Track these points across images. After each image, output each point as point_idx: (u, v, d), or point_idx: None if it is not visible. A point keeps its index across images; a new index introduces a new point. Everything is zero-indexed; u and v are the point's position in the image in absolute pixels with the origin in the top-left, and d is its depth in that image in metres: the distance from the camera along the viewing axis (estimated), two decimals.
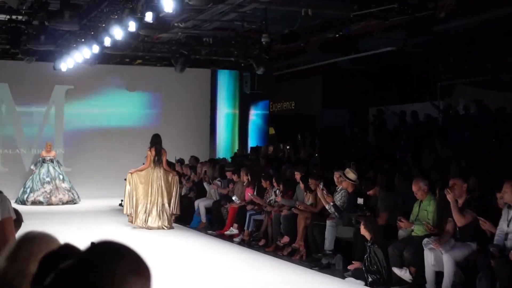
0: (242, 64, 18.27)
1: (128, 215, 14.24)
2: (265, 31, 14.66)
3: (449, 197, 8.04)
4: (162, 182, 14.05)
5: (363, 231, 9.08)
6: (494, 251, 7.43)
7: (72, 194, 18.97)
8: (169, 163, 15.14)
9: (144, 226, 13.91)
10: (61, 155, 20.07)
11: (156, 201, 13.96)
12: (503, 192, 7.68)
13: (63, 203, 18.59)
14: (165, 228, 13.93)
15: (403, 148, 13.71)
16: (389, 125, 16.48)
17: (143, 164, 14.54)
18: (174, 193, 14.25)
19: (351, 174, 10.67)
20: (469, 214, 8.08)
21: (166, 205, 14.03)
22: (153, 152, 14.04)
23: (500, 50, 15.77)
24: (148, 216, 13.94)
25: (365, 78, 18.26)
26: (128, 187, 14.15)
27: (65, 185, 18.93)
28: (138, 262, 1.63)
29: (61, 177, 18.98)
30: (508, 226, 7.67)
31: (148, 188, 14.02)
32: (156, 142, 14.10)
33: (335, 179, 10.87)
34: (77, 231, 12.66)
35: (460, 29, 13.43)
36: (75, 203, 18.79)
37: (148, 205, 13.96)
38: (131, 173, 14.20)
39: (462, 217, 8.06)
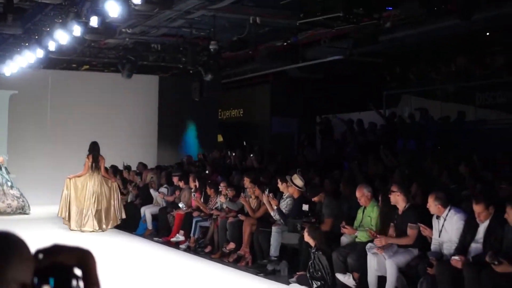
0: (191, 71, 18.22)
1: (63, 218, 14.60)
2: (214, 38, 14.66)
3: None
4: (99, 188, 14.50)
5: (307, 238, 9.13)
6: (432, 259, 7.58)
7: (23, 201, 17.38)
8: (115, 169, 15.19)
9: (78, 229, 14.32)
10: (5, 161, 19.61)
11: (91, 206, 14.39)
12: (428, 205, 7.86)
13: (13, 211, 16.96)
14: (99, 231, 14.41)
15: (349, 156, 13.85)
16: (336, 133, 16.64)
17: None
18: (115, 199, 14.67)
19: (298, 181, 10.70)
20: (412, 229, 8.20)
21: (102, 210, 14.49)
22: (91, 159, 14.54)
23: (444, 60, 16.13)
24: (83, 220, 14.40)
25: (313, 86, 18.41)
26: (65, 192, 14.53)
27: (13, 191, 17.41)
28: (22, 247, 1.64)
29: (9, 183, 17.57)
30: (439, 236, 7.84)
31: (84, 193, 14.46)
32: (93, 149, 14.58)
33: (280, 187, 10.89)
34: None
35: (406, 39, 13.66)
36: (25, 213, 17.18)
37: (84, 210, 14.40)
38: (69, 178, 14.63)
39: (409, 238, 8.18)
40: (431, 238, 8.03)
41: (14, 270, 1.59)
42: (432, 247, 7.89)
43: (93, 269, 1.72)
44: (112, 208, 14.64)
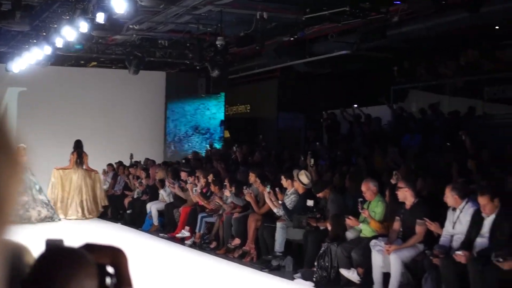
0: (197, 67, 18.17)
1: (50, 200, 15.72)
2: (221, 34, 14.60)
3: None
4: (83, 181, 16.18)
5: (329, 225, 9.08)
6: (438, 252, 7.50)
7: (52, 208, 15.43)
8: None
9: (64, 217, 15.66)
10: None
11: (74, 197, 16.00)
12: (445, 197, 7.79)
13: (42, 220, 14.91)
14: (83, 218, 15.89)
15: (356, 151, 13.75)
16: (343, 129, 16.53)
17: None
18: (98, 188, 16.43)
19: (304, 177, 10.63)
20: (420, 226, 8.12)
21: (85, 200, 16.10)
22: (75, 155, 16.31)
23: (453, 55, 16.00)
24: (68, 208, 15.97)
25: (320, 81, 18.32)
26: (52, 179, 16.18)
27: (42, 197, 15.33)
28: (88, 263, 1.64)
29: (37, 187, 15.30)
30: (453, 228, 7.76)
31: (67, 184, 16.08)
32: (78, 146, 16.44)
33: (284, 183, 10.82)
34: None
35: (413, 33, 13.53)
36: (54, 221, 15.21)
37: (69, 200, 16.00)
38: (57, 169, 16.28)
39: (418, 236, 8.10)
40: (437, 233, 7.96)
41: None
42: (442, 239, 7.80)
43: (125, 267, 1.72)
44: (96, 196, 16.32)
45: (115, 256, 1.75)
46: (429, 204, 8.35)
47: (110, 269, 1.72)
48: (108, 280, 1.70)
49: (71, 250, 1.67)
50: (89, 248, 1.74)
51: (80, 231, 13.79)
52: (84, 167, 16.35)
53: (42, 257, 1.66)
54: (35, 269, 1.65)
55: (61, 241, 1.75)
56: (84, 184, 16.18)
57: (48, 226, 14.49)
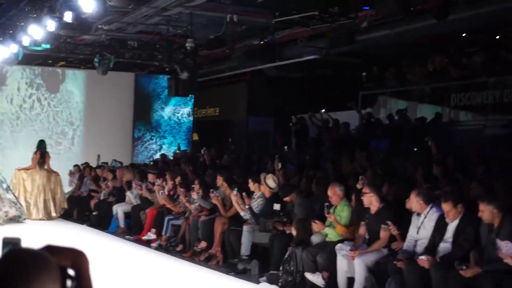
0: (167, 69, 18.08)
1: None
2: (190, 36, 14.54)
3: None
4: (46, 181, 16.08)
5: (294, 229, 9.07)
6: (401, 256, 7.55)
7: (20, 207, 14.91)
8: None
9: (27, 217, 15.33)
10: None
11: (37, 197, 15.89)
12: (410, 202, 7.84)
13: (9, 220, 14.42)
14: (45, 219, 15.75)
15: (325, 156, 13.79)
16: (311, 133, 16.56)
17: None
18: (58, 190, 16.34)
19: (270, 181, 10.64)
20: (384, 231, 8.15)
21: (48, 200, 16.04)
22: (38, 155, 16.15)
23: (421, 61, 16.14)
24: (30, 209, 15.80)
25: (290, 85, 18.35)
26: (13, 180, 15.90)
27: (9, 195, 14.76)
28: (50, 266, 1.65)
29: (4, 185, 14.82)
30: (417, 233, 7.81)
31: (30, 185, 15.94)
32: (41, 146, 16.28)
33: (251, 186, 10.82)
34: None
35: (382, 39, 13.62)
36: (20, 222, 14.73)
37: (31, 200, 15.86)
38: (18, 170, 16.11)
39: (382, 241, 8.13)
40: (400, 237, 8.01)
41: None
42: (406, 244, 7.85)
43: (86, 270, 1.73)
44: (56, 198, 16.24)
45: (76, 258, 1.72)
46: (394, 209, 8.39)
47: (71, 272, 1.69)
48: (68, 283, 1.66)
49: (33, 252, 1.63)
50: (50, 249, 1.71)
51: (44, 232, 13.62)
52: (46, 167, 16.27)
53: (4, 258, 1.62)
54: None
55: (18, 240, 1.71)
56: (48, 184, 16.15)
57: (13, 227, 14.04)
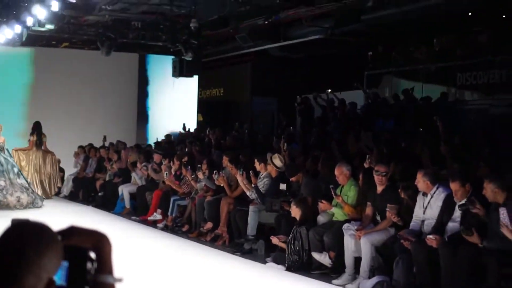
0: (171, 49, 18.00)
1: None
2: (194, 16, 14.47)
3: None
4: (42, 161, 16.34)
5: (294, 210, 9.01)
6: (409, 236, 7.52)
7: (32, 192, 14.54)
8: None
9: None
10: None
11: (33, 177, 16.08)
12: (417, 182, 7.81)
13: (23, 206, 13.96)
14: (46, 198, 15.75)
15: (330, 135, 13.75)
16: (316, 113, 16.51)
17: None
18: (53, 170, 16.57)
19: (277, 161, 10.61)
20: (391, 209, 8.11)
21: (44, 180, 16.31)
22: (35, 137, 16.35)
23: (426, 40, 16.05)
24: None
25: (294, 66, 18.28)
26: None
27: (21, 181, 14.36)
28: (52, 236, 1.64)
29: (15, 170, 14.44)
30: (424, 213, 7.79)
31: (26, 166, 16.11)
32: (37, 127, 16.42)
33: (257, 166, 10.79)
34: None
35: (388, 18, 13.52)
36: (37, 207, 14.33)
37: (28, 180, 15.40)
38: (15, 150, 16.07)
39: (388, 221, 8.09)
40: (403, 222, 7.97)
41: (47, 265, 1.58)
42: (413, 224, 7.83)
43: (108, 253, 1.73)
44: (52, 177, 16.49)
45: (98, 241, 1.70)
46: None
47: (92, 254, 1.66)
48: (89, 265, 1.63)
49: (44, 228, 1.61)
50: (73, 230, 1.69)
51: (50, 214, 13.61)
52: (43, 147, 16.47)
53: (15, 228, 1.59)
54: (2, 242, 1.58)
55: (27, 221, 1.69)
56: (43, 164, 16.38)
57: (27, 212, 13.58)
